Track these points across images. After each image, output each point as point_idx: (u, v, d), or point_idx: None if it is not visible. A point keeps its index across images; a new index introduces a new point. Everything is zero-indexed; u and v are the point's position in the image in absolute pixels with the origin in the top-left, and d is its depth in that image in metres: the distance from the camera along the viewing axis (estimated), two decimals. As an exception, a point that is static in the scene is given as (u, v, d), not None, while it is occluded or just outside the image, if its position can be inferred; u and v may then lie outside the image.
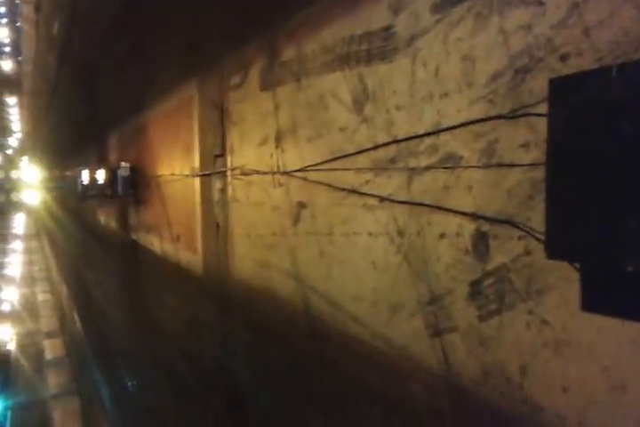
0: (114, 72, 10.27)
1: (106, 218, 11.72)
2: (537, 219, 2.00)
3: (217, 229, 5.21)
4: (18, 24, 36.39)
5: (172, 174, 6.54)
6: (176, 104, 6.36)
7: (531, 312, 2.04)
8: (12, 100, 41.21)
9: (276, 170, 4.01)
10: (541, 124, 1.98)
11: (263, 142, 4.19)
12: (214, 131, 5.16)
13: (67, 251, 21.65)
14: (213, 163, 5.23)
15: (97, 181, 8.24)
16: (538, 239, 2.00)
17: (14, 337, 27.33)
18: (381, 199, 2.87)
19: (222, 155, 4.99)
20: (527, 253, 2.05)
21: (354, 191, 3.09)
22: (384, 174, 2.84)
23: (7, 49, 38.34)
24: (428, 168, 2.53)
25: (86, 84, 13.25)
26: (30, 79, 34.27)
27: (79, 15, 14.41)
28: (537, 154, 2.01)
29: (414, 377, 2.68)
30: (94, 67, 11.95)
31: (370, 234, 2.97)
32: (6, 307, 32.25)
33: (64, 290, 24.75)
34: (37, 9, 27.02)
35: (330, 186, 3.33)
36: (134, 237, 8.79)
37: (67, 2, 16.63)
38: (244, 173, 4.53)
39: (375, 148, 2.89)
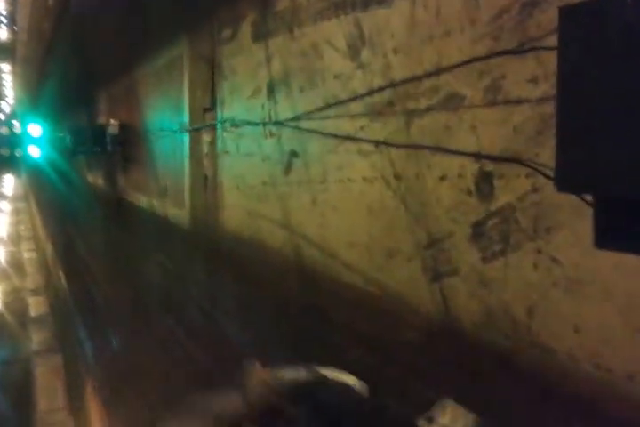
0: (106, 34, 9.84)
1: (94, 176, 11.39)
2: (546, 155, 1.86)
3: (205, 182, 5.02)
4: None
5: (162, 130, 6.29)
6: (166, 61, 6.07)
7: (539, 251, 1.92)
8: (5, 66, 39.91)
9: (267, 120, 3.81)
10: (550, 58, 1.83)
11: (255, 94, 3.98)
12: (204, 85, 4.92)
13: (53, 210, 21.19)
14: (203, 117, 5.00)
15: (86, 137, 7.92)
16: (547, 176, 1.86)
17: (0, 294, 26.91)
18: (377, 144, 2.70)
19: (212, 109, 4.77)
20: (535, 190, 1.92)
21: (348, 138, 2.92)
22: (380, 119, 2.67)
23: (3, 19, 36.90)
24: (428, 110, 2.36)
25: (78, 48, 12.75)
26: (24, 47, 33.09)
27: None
28: (546, 88, 1.85)
29: (410, 323, 2.57)
30: (87, 31, 11.46)
31: (365, 179, 2.81)
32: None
33: (49, 248, 24.32)
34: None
35: (323, 133, 3.15)
36: (122, 194, 8.53)
37: None
38: (235, 125, 4.32)
39: (371, 93, 2.71)
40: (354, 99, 2.85)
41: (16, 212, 37.68)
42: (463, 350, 2.28)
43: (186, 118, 5.46)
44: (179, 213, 5.86)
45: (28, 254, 31.23)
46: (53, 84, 14.61)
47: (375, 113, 2.69)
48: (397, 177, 2.58)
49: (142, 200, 7.34)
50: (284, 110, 3.59)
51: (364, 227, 2.85)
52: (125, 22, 7.91)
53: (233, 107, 4.36)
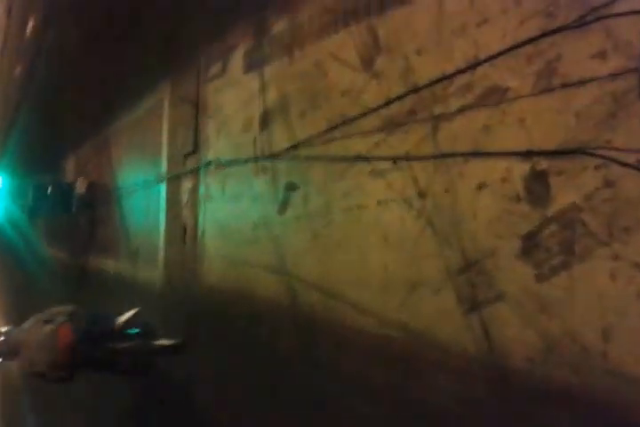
0: (76, 92, 9.75)
1: (54, 240, 10.87)
2: (620, 140, 1.60)
3: (183, 235, 4.67)
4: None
5: (135, 185, 5.99)
6: (144, 111, 5.89)
7: (616, 258, 1.61)
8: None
9: (259, 155, 3.55)
10: (620, 26, 1.61)
11: (245, 129, 3.74)
12: (186, 129, 4.70)
13: (5, 280, 20.29)
14: (183, 163, 4.73)
15: (49, 196, 7.57)
16: (624, 164, 1.58)
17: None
18: (395, 160, 2.43)
19: (194, 152, 4.52)
20: (607, 184, 1.64)
21: (359, 158, 2.65)
22: (399, 132, 2.42)
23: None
24: (460, 111, 2.12)
25: (47, 111, 12.64)
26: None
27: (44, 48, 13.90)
28: (618, 61, 1.62)
29: (439, 366, 2.18)
30: (57, 93, 11.40)
31: (380, 203, 2.51)
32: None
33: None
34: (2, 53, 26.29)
35: (328, 159, 2.89)
36: (86, 260, 8.07)
37: (32, 40, 16.13)
38: (220, 166, 4.05)
39: (388, 103, 2.48)
40: (366, 114, 2.60)
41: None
42: (514, 395, 1.90)
43: (163, 167, 5.19)
44: (151, 273, 5.45)
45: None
46: (18, 139, 14.38)
47: (393, 125, 2.44)
48: (422, 195, 2.29)
49: (109, 265, 6.90)
50: (279, 141, 3.34)
51: (378, 259, 2.52)
52: (97, 78, 7.81)
53: (219, 147, 4.11)
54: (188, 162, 4.66)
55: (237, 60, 3.86)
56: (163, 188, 5.19)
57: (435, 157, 2.23)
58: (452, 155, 2.15)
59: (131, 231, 6.15)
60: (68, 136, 9.86)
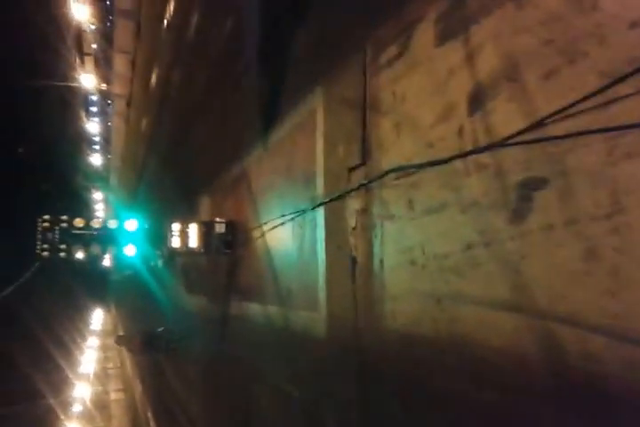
0: (207, 133, 9.48)
1: (192, 286, 10.45)
2: None
3: (353, 268, 3.83)
4: (109, 123, 37.92)
5: (282, 216, 5.29)
6: (288, 130, 5.23)
7: None
8: (98, 195, 42.31)
9: (470, 148, 2.66)
10: None
11: (442, 118, 2.88)
12: (349, 138, 3.92)
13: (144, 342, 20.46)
14: (348, 179, 3.94)
15: (187, 238, 7.09)
16: None
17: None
18: None
19: (363, 163, 3.71)
20: None
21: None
22: None
23: (97, 146, 39.84)
24: None
25: (173, 159, 12.63)
26: (117, 173, 35.11)
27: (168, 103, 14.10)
28: None
29: None
30: (182, 143, 11.31)
31: None
32: (78, 407, 30.95)
33: (138, 387, 23.45)
34: (128, 104, 27.85)
35: (606, 130, 1.94)
36: (228, 307, 7.46)
37: (156, 97, 16.60)
38: (404, 175, 3.20)
39: None
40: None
41: (104, 348, 37.71)
42: None
43: (319, 189, 4.43)
44: (309, 319, 4.64)
45: (115, 395, 30.50)
46: (150, 186, 14.51)
47: None
48: None
49: (255, 310, 6.20)
50: (505, 123, 2.43)
51: None
52: (229, 107, 7.36)
53: (400, 150, 3.27)
54: (354, 177, 3.85)
55: (425, 32, 3.03)
56: (319, 214, 4.42)
57: None
58: None
59: (279, 270, 5.42)
60: (200, 176, 9.54)
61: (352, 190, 3.87)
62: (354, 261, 3.84)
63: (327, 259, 4.30)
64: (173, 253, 7.56)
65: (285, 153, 5.28)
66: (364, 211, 3.70)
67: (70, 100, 34.79)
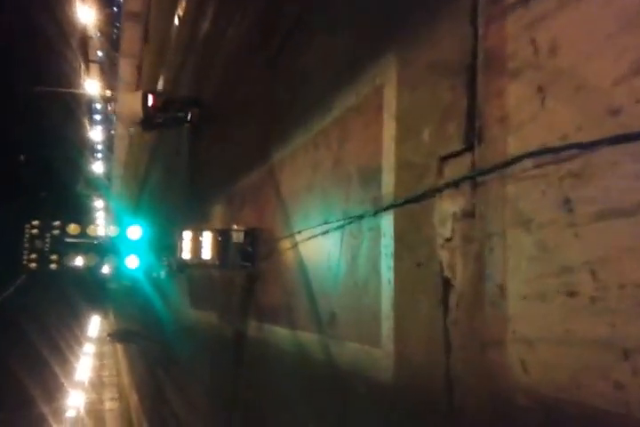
0: (218, 140, 8.36)
1: (199, 301, 9.22)
2: None
3: (445, 292, 2.69)
4: (112, 131, 36.82)
5: (325, 223, 4.15)
6: (336, 118, 4.11)
7: None
8: (99, 203, 40.94)
9: None
10: None
11: (635, 69, 1.77)
12: (440, 116, 2.81)
13: (142, 353, 19.27)
14: (437, 172, 2.81)
15: (200, 248, 5.94)
16: None
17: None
18: None
19: (468, 149, 2.59)
20: None
21: None
22: None
23: (100, 154, 38.62)
24: None
25: (181, 164, 11.49)
26: (119, 181, 33.89)
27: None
28: None
29: None
30: (193, 147, 10.19)
31: None
32: (71, 413, 29.47)
33: (134, 398, 22.15)
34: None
35: None
36: (244, 327, 6.28)
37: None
38: (553, 160, 2.07)
39: None
40: None
41: (100, 356, 36.22)
42: None
43: (386, 189, 3.31)
44: (363, 354, 3.50)
45: (109, 404, 29.05)
46: (155, 192, 13.32)
47: None
48: None
49: (281, 336, 5.03)
50: None
51: None
52: (254, 103, 6.25)
53: (547, 123, 2.15)
54: (449, 169, 2.73)
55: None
56: (386, 220, 3.29)
57: None
58: None
59: (318, 290, 4.28)
60: (214, 180, 8.39)
61: (446, 187, 2.74)
62: (446, 283, 2.70)
63: (398, 279, 3.16)
64: (183, 264, 6.37)
65: (331, 145, 4.15)
66: (469, 215, 2.57)
67: (74, 107, 33.70)
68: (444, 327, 2.70)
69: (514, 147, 2.31)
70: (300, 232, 4.68)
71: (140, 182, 20.59)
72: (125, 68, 24.58)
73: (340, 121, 4.02)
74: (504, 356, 2.30)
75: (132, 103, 8.59)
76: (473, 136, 2.55)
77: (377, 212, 3.38)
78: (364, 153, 3.62)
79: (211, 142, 8.85)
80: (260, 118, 6.20)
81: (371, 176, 3.50)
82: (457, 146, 2.66)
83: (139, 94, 8.69)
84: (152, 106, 8.45)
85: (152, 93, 8.78)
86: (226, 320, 7.17)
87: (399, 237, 3.16)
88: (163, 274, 9.97)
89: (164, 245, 7.70)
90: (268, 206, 5.64)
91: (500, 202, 2.36)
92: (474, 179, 2.53)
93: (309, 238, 4.47)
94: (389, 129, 3.30)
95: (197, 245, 5.96)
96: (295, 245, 4.77)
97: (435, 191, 2.82)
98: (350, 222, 3.74)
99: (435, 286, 2.78)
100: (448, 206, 2.72)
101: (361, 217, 3.59)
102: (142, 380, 19.17)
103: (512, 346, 2.27)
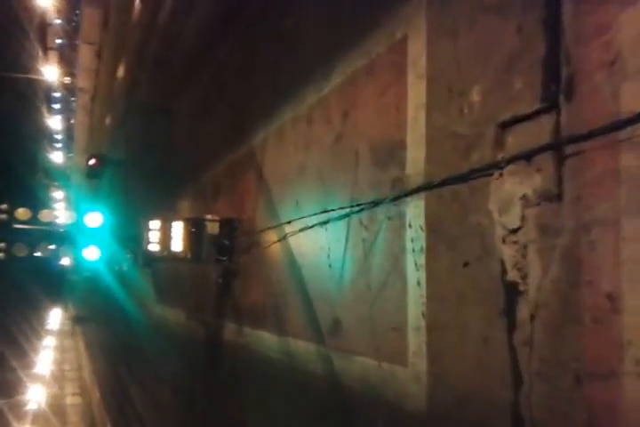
0: (188, 121, 7.51)
1: (167, 299, 8.34)
2: None
3: (510, 301, 1.98)
4: (72, 121, 35.17)
5: (324, 211, 3.39)
6: (340, 83, 3.35)
7: None
8: (58, 194, 39.19)
9: None
10: None
11: None
12: (500, 67, 2.08)
13: (104, 348, 18.27)
14: (494, 144, 2.09)
15: (170, 240, 5.12)
16: None
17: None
18: None
19: (548, 108, 1.87)
20: None
21: None
22: None
23: (59, 144, 36.86)
24: None
25: (146, 150, 10.57)
26: (80, 171, 32.30)
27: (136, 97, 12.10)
28: None
29: None
30: (158, 131, 9.29)
31: None
32: (33, 406, 28.12)
33: (96, 394, 21.14)
34: (93, 99, 25.62)
35: None
36: (219, 330, 5.48)
37: (123, 91, 14.55)
38: None
39: None
40: None
41: (61, 349, 34.74)
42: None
43: (413, 168, 2.57)
44: (381, 372, 2.77)
45: (71, 399, 27.77)
46: (119, 180, 12.31)
47: None
48: None
49: (268, 342, 4.27)
50: None
51: None
52: (231, 74, 5.44)
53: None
54: (515, 137, 2.01)
55: None
56: (412, 207, 2.56)
57: None
58: None
59: (317, 291, 3.53)
60: (182, 166, 7.53)
61: (510, 161, 2.02)
62: (512, 290, 1.99)
63: (432, 282, 2.43)
64: (150, 257, 5.53)
65: (331, 119, 3.39)
66: (550, 197, 1.85)
67: (31, 95, 31.98)
68: (508, 348, 1.99)
69: (629, 101, 1.61)
70: (289, 222, 3.91)
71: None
72: (85, 55, 23.27)
73: (344, 89, 3.26)
74: (618, 394, 1.61)
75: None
76: (557, 90, 1.84)
77: (399, 196, 2.65)
78: (379, 126, 2.88)
79: (178, 126, 7.99)
80: (234, 93, 5.40)
81: (389, 153, 2.76)
82: (528, 106, 1.94)
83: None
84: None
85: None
86: (196, 319, 6.36)
87: (434, 229, 2.43)
88: (126, 266, 9.06)
89: (129, 235, 6.82)
90: (248, 194, 4.86)
91: (609, 178, 1.65)
92: (560, 148, 1.82)
93: (302, 230, 3.71)
94: (417, 93, 2.56)
95: (167, 235, 5.13)
96: (283, 238, 4.01)
97: (491, 167, 2.09)
98: (360, 210, 3.00)
99: (492, 292, 2.07)
100: (514, 187, 2.00)
101: (375, 204, 2.85)
102: (104, 375, 18.18)
103: (632, 380, 1.57)
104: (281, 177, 4.16)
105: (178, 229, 5.10)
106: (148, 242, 5.16)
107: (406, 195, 2.59)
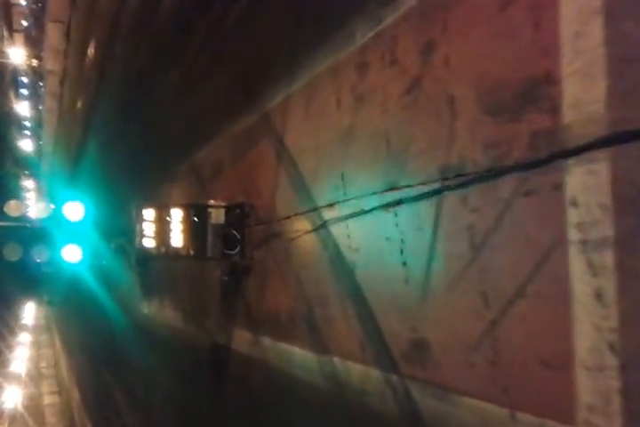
0: (179, 88, 6.45)
1: (160, 294, 7.22)
2: None
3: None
4: (41, 107, 33.54)
5: (391, 189, 2.43)
6: (400, 17, 2.38)
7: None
8: (29, 183, 37.55)
9: None
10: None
11: None
12: None
13: (83, 345, 17.20)
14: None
15: (168, 233, 4.08)
16: None
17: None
18: None
19: None
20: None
21: None
22: None
23: (28, 132, 35.22)
24: None
25: (129, 130, 9.45)
26: (49, 161, 30.84)
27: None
28: None
29: None
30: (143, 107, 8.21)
31: None
32: (9, 405, 26.87)
33: (75, 393, 20.09)
34: (62, 82, 24.24)
35: None
36: (223, 337, 4.50)
37: (96, 70, 13.41)
38: None
39: None
40: None
41: (37, 345, 33.38)
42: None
43: (581, 110, 1.62)
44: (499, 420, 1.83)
45: (49, 399, 26.57)
46: (99, 166, 11.16)
47: None
48: None
49: (301, 361, 3.31)
50: None
51: None
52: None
53: None
54: None
55: None
56: (573, 175, 1.61)
57: None
58: None
59: (380, 297, 2.57)
60: (175, 144, 6.47)
61: None
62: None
63: (626, 293, 1.49)
64: (146, 256, 4.46)
65: (404, 55, 2.42)
66: None
67: (-3, 80, 30.30)
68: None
69: None
70: (331, 206, 2.94)
71: (75, 155, 18.23)
72: (53, 34, 21.83)
73: (425, 11, 2.29)
74: None
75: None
76: None
77: (552, 158, 1.69)
78: (496, 56, 1.92)
79: (164, 101, 6.94)
80: (237, 51, 4.39)
81: (519, 94, 1.80)
82: None
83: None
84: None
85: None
86: (194, 324, 5.36)
87: (626, 208, 1.49)
88: (110, 263, 7.98)
89: (117, 228, 5.73)
90: (262, 171, 3.87)
91: None
92: None
93: (353, 216, 2.75)
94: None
95: (164, 227, 4.11)
96: (322, 227, 3.04)
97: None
98: (462, 184, 2.04)
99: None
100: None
101: (496, 173, 1.89)
102: (83, 374, 17.13)
103: None
104: (314, 146, 3.17)
105: (177, 218, 4.08)
106: (143, 236, 4.11)
107: (568, 155, 1.63)
